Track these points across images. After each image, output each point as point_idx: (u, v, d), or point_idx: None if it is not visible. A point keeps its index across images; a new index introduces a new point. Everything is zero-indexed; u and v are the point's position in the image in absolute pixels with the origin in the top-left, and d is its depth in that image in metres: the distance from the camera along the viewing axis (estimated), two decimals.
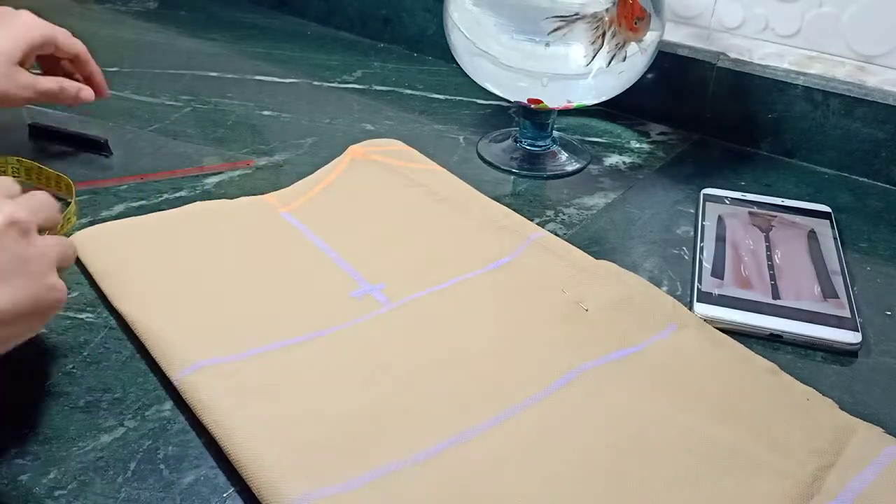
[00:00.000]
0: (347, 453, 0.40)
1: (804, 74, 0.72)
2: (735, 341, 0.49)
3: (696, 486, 0.39)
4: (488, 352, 0.47)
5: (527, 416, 0.43)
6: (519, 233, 0.57)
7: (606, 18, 0.57)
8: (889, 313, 0.53)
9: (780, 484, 0.39)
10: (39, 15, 0.63)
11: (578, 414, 0.43)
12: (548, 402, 0.44)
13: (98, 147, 0.67)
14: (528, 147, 0.72)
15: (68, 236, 0.49)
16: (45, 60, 0.64)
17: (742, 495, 0.39)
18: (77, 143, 0.67)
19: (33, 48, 0.60)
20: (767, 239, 0.59)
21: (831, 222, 0.62)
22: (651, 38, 0.63)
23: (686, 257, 0.58)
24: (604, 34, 0.58)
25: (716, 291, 0.53)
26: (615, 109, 0.80)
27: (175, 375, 0.43)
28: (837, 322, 0.50)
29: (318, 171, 0.66)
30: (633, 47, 0.60)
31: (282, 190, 0.63)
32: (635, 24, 0.57)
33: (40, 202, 0.41)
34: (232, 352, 0.45)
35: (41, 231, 0.40)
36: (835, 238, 0.60)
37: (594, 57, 0.59)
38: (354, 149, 0.68)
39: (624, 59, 0.61)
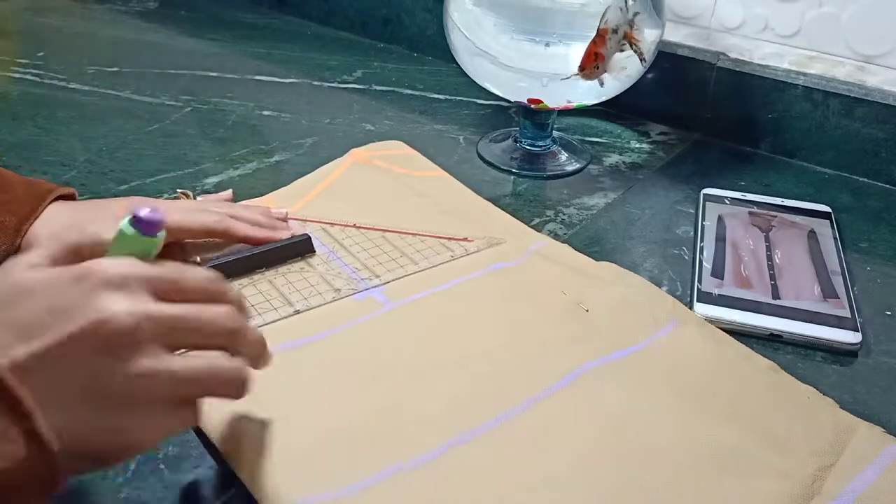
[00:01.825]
0: (348, 456, 0.40)
1: (804, 74, 0.72)
2: (735, 340, 0.49)
3: (696, 486, 0.39)
4: (489, 352, 0.47)
5: (527, 416, 0.43)
6: (520, 243, 0.57)
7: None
8: (889, 313, 0.53)
9: (781, 484, 0.39)
10: (40, 15, 0.62)
11: (579, 414, 0.43)
12: (548, 403, 0.43)
13: (303, 248, 0.55)
14: (528, 147, 0.72)
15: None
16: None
17: (743, 495, 0.38)
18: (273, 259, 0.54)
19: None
20: (767, 239, 0.59)
21: (831, 222, 0.62)
22: (651, 38, 0.63)
23: (686, 257, 0.58)
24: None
25: (716, 291, 0.53)
26: (615, 109, 0.80)
27: None
28: (837, 322, 0.50)
29: (317, 170, 0.66)
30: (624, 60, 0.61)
31: (280, 189, 0.63)
32: (595, 68, 0.59)
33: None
34: None
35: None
36: (835, 238, 0.60)
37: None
38: (357, 152, 0.68)
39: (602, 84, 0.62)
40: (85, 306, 0.30)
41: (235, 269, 0.52)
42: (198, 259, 0.53)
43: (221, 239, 0.53)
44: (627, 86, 0.65)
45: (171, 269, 0.33)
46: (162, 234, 0.34)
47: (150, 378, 0.31)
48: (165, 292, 0.33)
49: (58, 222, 0.48)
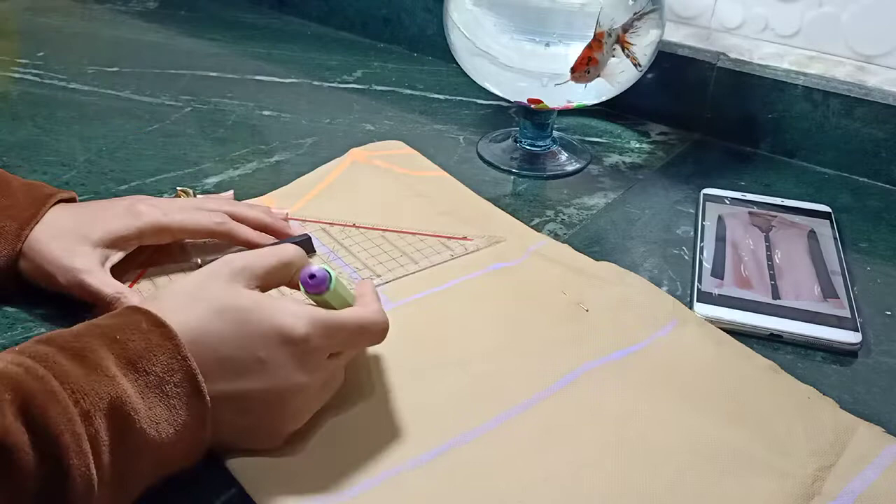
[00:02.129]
0: (349, 456, 0.40)
1: (804, 74, 0.72)
2: (736, 340, 0.49)
3: (697, 486, 0.39)
4: (489, 352, 0.47)
5: (527, 416, 0.43)
6: (520, 243, 0.57)
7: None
8: (889, 313, 0.53)
9: (781, 484, 0.39)
10: (40, 15, 0.62)
11: (579, 414, 0.43)
12: (548, 403, 0.44)
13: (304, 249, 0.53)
14: (528, 147, 0.72)
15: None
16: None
17: (743, 495, 0.39)
18: None
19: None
20: (767, 239, 0.59)
21: (831, 222, 0.62)
22: (651, 37, 0.63)
23: (686, 257, 0.58)
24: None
25: (716, 291, 0.53)
26: (615, 109, 0.80)
27: None
28: (837, 322, 0.50)
29: (317, 170, 0.66)
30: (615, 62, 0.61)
31: (280, 189, 0.63)
32: (587, 73, 0.59)
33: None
34: None
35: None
36: (835, 238, 0.60)
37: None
38: (356, 152, 0.69)
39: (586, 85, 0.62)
40: (281, 374, 0.37)
41: None
42: (198, 261, 0.53)
43: (223, 241, 0.54)
44: (627, 86, 0.65)
45: (358, 326, 0.40)
46: (332, 287, 0.39)
47: (305, 414, 0.40)
48: (343, 347, 0.40)
49: (59, 226, 0.48)
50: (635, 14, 0.59)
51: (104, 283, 0.47)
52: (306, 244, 0.55)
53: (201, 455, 0.37)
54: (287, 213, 0.58)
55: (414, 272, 0.54)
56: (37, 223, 0.48)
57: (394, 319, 0.49)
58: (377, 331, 0.41)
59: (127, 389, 0.33)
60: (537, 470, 0.39)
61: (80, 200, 0.53)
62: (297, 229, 0.57)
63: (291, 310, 0.38)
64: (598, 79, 0.61)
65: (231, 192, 0.61)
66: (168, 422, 0.34)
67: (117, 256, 0.49)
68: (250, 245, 0.53)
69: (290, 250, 0.42)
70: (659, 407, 0.44)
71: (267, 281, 0.40)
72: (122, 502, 0.34)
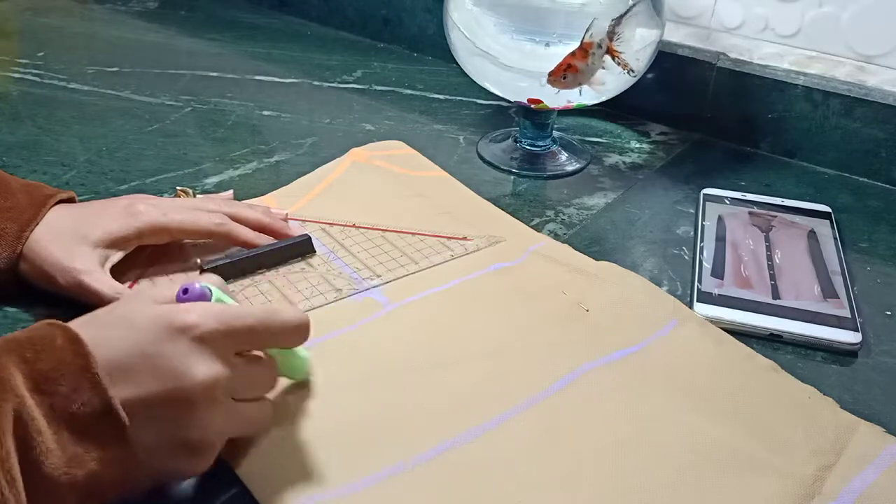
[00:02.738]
0: (349, 455, 0.40)
1: (804, 74, 0.72)
2: (736, 339, 0.49)
3: (697, 486, 0.39)
4: (489, 353, 0.47)
5: (528, 416, 0.43)
6: (519, 244, 0.57)
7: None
8: (889, 313, 0.53)
9: (782, 484, 0.39)
10: (40, 15, 0.62)
11: (579, 414, 0.43)
12: (549, 403, 0.44)
13: (304, 249, 0.55)
14: (528, 147, 0.72)
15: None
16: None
17: (743, 495, 0.39)
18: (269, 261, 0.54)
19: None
20: (767, 239, 0.59)
21: (831, 222, 0.62)
22: (651, 37, 0.63)
23: (686, 257, 0.58)
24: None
25: (716, 291, 0.53)
26: (615, 109, 0.80)
27: None
28: (837, 322, 0.50)
29: (317, 170, 0.66)
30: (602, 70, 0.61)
31: (280, 189, 0.63)
32: (563, 79, 0.59)
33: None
34: None
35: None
36: (835, 238, 0.60)
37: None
38: (356, 151, 0.69)
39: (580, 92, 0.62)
40: (179, 369, 0.35)
41: (236, 270, 0.52)
42: (198, 261, 0.53)
43: (222, 242, 0.53)
44: (627, 86, 0.65)
45: (257, 319, 0.37)
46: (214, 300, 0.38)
47: (222, 427, 0.36)
48: (247, 343, 0.38)
49: (59, 227, 0.48)
50: (612, 21, 0.58)
51: (104, 283, 0.47)
52: (306, 244, 0.55)
53: (136, 481, 0.35)
54: (286, 214, 0.58)
55: (414, 272, 0.54)
56: (37, 225, 0.48)
57: (394, 320, 0.50)
58: (287, 320, 0.38)
59: (30, 408, 0.31)
60: (537, 470, 0.39)
61: (80, 200, 0.53)
62: (296, 230, 0.57)
63: (182, 306, 0.36)
64: (601, 75, 0.61)
65: (231, 192, 0.61)
66: (80, 446, 0.32)
67: (117, 256, 0.49)
68: (249, 245, 0.53)
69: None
70: (659, 407, 0.44)
71: None
72: None
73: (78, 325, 0.35)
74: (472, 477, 0.39)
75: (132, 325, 0.35)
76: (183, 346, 0.35)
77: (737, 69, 0.73)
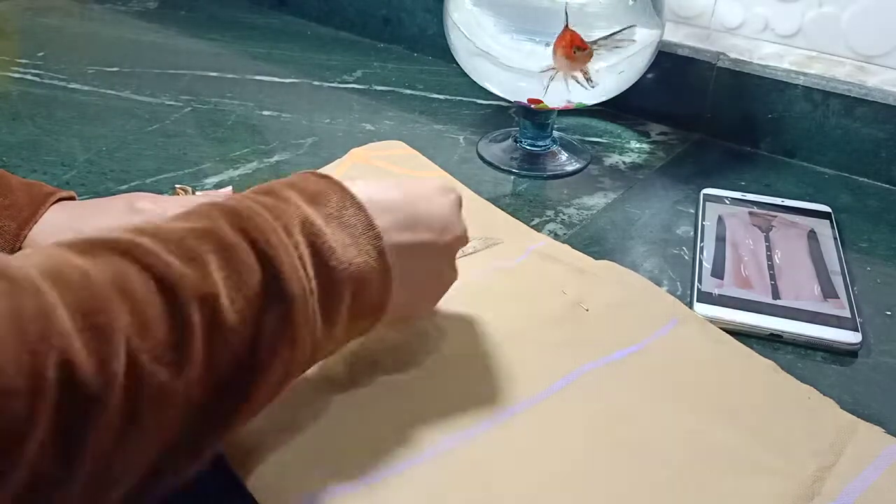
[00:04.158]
0: (348, 455, 0.40)
1: (804, 74, 0.72)
2: (736, 339, 0.49)
3: (697, 486, 0.39)
4: (489, 353, 0.47)
5: (527, 416, 0.43)
6: (519, 243, 0.57)
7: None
8: (889, 313, 0.53)
9: (781, 484, 0.39)
10: (40, 15, 0.63)
11: (579, 415, 0.43)
12: (549, 403, 0.43)
13: None
14: (528, 147, 0.72)
15: None
16: None
17: (743, 495, 0.38)
18: None
19: None
20: (767, 239, 0.59)
21: (831, 222, 0.62)
22: (651, 37, 0.63)
23: (686, 257, 0.58)
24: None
25: (716, 291, 0.53)
26: (615, 109, 0.80)
27: None
28: (837, 322, 0.50)
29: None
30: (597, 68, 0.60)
31: None
32: (574, 52, 0.57)
33: None
34: None
35: None
36: (835, 238, 0.60)
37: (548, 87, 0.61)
38: (356, 152, 0.68)
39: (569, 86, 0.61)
40: (455, 224, 0.43)
41: None
42: None
43: None
44: (627, 86, 0.65)
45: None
46: None
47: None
48: None
49: (57, 225, 0.48)
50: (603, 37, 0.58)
51: None
52: None
53: (387, 307, 0.39)
54: None
55: None
56: (35, 223, 0.48)
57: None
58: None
59: (311, 214, 0.36)
60: (537, 470, 0.39)
61: (81, 200, 0.53)
62: None
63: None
64: (601, 75, 0.61)
65: (229, 188, 0.61)
66: (353, 247, 0.37)
67: None
68: None
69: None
70: (659, 407, 0.44)
71: None
72: (330, 340, 0.37)
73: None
74: (472, 477, 0.39)
75: (407, 185, 0.42)
76: (453, 203, 0.43)
77: (737, 69, 0.73)
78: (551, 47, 0.59)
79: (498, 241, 0.57)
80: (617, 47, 0.58)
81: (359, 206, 0.38)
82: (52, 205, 0.50)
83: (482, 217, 0.61)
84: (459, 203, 0.44)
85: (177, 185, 0.61)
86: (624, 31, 0.58)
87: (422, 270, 0.42)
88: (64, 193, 0.51)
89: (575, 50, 0.57)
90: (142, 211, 0.50)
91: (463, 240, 0.44)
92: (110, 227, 0.33)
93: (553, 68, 0.59)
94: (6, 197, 0.48)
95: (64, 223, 0.49)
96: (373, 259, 0.38)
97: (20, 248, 0.47)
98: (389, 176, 0.65)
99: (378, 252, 0.38)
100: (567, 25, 0.57)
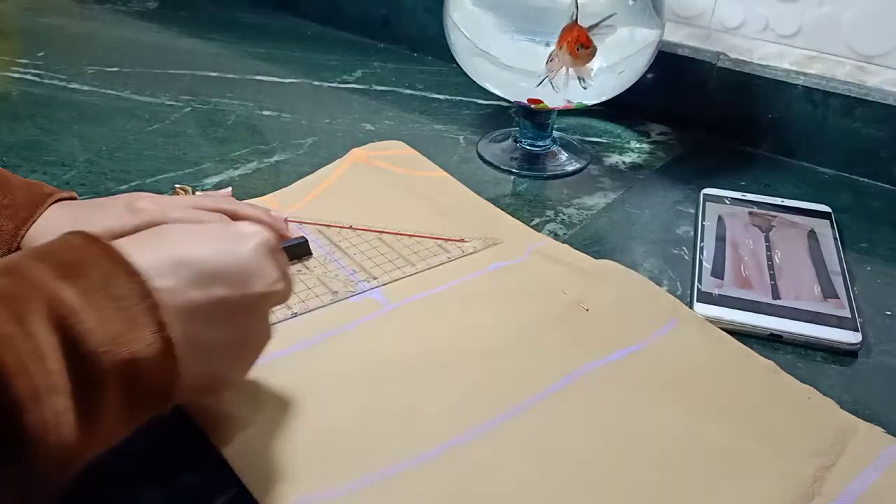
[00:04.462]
0: (349, 456, 0.40)
1: (804, 74, 0.72)
2: (736, 339, 0.49)
3: (697, 486, 0.39)
4: (489, 353, 0.47)
5: (528, 417, 0.43)
6: (519, 243, 0.57)
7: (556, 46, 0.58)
8: (889, 313, 0.53)
9: (782, 485, 0.39)
10: (40, 15, 0.63)
11: (579, 415, 0.43)
12: (549, 403, 0.43)
13: (301, 251, 0.56)
14: (528, 147, 0.72)
15: None
16: None
17: (743, 496, 0.38)
18: None
19: None
20: (767, 239, 0.59)
21: (831, 222, 0.62)
22: (651, 37, 0.63)
23: (686, 257, 0.58)
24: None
25: (716, 291, 0.53)
26: (615, 109, 0.80)
27: None
28: (837, 322, 0.50)
29: (318, 171, 0.66)
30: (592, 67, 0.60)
31: (282, 190, 0.63)
32: (577, 50, 0.57)
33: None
34: None
35: None
36: (835, 238, 0.60)
37: (542, 81, 0.60)
38: (356, 152, 0.68)
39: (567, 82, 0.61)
40: (263, 273, 0.36)
41: None
42: None
43: None
44: (627, 86, 0.65)
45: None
46: None
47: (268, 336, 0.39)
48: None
49: (56, 225, 0.48)
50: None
51: None
52: (303, 247, 0.55)
53: (175, 388, 0.33)
54: (286, 218, 0.58)
55: (411, 274, 0.54)
56: (33, 223, 0.48)
57: (394, 320, 0.50)
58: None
59: (61, 292, 0.30)
60: (537, 471, 0.39)
61: (81, 200, 0.53)
62: (294, 232, 0.57)
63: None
64: (601, 75, 0.61)
65: (229, 189, 0.61)
66: (120, 324, 0.31)
67: None
68: None
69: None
70: (659, 407, 0.44)
71: None
72: (94, 440, 0.31)
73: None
74: (472, 477, 0.39)
75: (193, 230, 0.36)
76: (261, 250, 0.37)
77: (737, 69, 0.73)
78: (553, 44, 0.58)
79: (498, 241, 0.57)
80: (601, 34, 0.58)
81: (131, 273, 0.32)
82: (51, 205, 0.49)
83: (482, 217, 0.61)
84: (268, 246, 0.37)
85: (177, 185, 0.61)
86: (608, 20, 0.57)
87: (222, 335, 0.35)
88: (64, 194, 0.51)
89: (579, 47, 0.57)
90: (141, 211, 0.50)
91: (279, 292, 0.37)
92: None
93: (553, 58, 0.58)
94: (5, 196, 0.48)
95: (63, 223, 0.48)
96: (149, 335, 0.31)
97: (18, 248, 0.47)
98: (389, 176, 0.65)
99: (157, 325, 0.32)
100: (576, 20, 0.57)
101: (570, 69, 0.59)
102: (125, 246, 0.33)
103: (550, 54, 0.58)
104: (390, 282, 0.53)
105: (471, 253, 0.56)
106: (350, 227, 0.59)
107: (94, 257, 0.32)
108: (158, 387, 0.32)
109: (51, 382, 0.28)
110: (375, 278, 0.53)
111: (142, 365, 0.31)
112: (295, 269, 0.54)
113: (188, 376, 0.33)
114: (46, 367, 0.28)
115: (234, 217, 0.53)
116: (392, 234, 0.58)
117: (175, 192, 0.59)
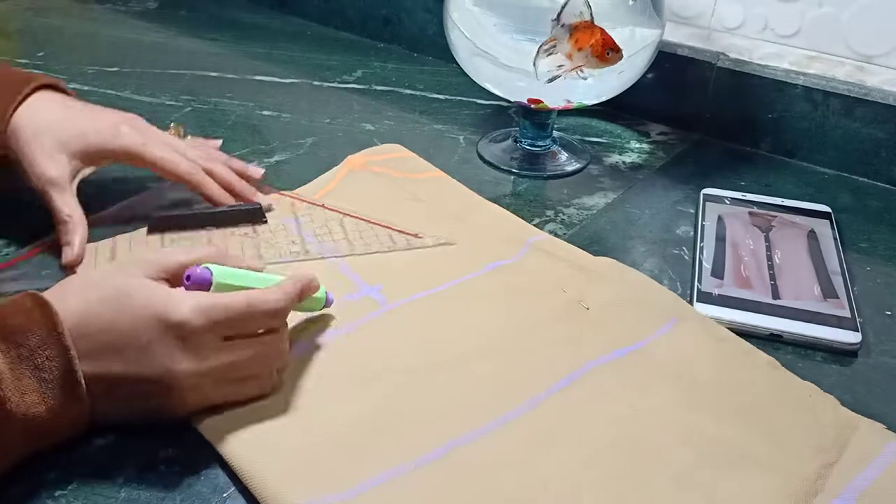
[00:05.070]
0: (351, 458, 0.39)
1: (804, 74, 0.72)
2: (736, 335, 0.49)
3: (699, 483, 0.39)
4: (490, 353, 0.47)
5: (529, 416, 0.43)
6: (517, 238, 0.57)
7: (567, 42, 0.58)
8: (889, 313, 0.53)
9: (784, 482, 0.39)
10: (40, 15, 0.63)
11: (581, 413, 0.43)
12: (550, 403, 0.43)
13: (253, 216, 0.58)
14: (528, 147, 0.72)
15: None
16: None
17: (746, 493, 0.39)
18: (222, 220, 0.58)
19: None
20: (767, 239, 0.59)
21: (831, 222, 0.62)
22: (651, 37, 0.63)
23: (686, 257, 0.58)
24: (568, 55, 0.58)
25: (716, 291, 0.53)
26: (615, 109, 0.80)
27: None
28: (837, 322, 0.50)
29: (315, 180, 0.64)
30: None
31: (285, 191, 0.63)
32: (607, 54, 0.57)
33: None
34: None
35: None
36: (835, 238, 0.60)
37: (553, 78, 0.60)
38: (353, 159, 0.67)
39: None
40: (169, 360, 0.38)
41: (185, 222, 0.57)
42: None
43: (189, 189, 0.56)
44: (627, 86, 0.65)
45: (240, 310, 0.39)
46: (214, 288, 0.40)
47: (200, 403, 0.40)
48: (234, 331, 0.40)
49: (42, 119, 0.52)
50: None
51: (64, 201, 0.51)
52: (256, 213, 0.58)
53: (84, 429, 0.39)
54: (264, 172, 0.61)
55: (412, 275, 0.54)
56: (20, 105, 0.51)
57: (394, 320, 0.50)
58: (265, 309, 0.40)
59: None
60: (539, 470, 0.39)
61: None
62: (263, 200, 0.59)
63: (176, 296, 0.38)
64: (601, 75, 0.61)
65: (220, 140, 0.63)
66: (37, 393, 0.35)
67: (88, 170, 0.54)
68: (212, 201, 0.56)
69: (202, 251, 0.43)
70: (660, 405, 0.44)
71: (177, 276, 0.41)
72: None
73: (67, 294, 0.38)
74: (473, 478, 0.39)
75: (127, 309, 0.37)
76: (172, 340, 0.37)
77: (737, 69, 0.73)
78: (565, 39, 0.58)
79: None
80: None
81: (63, 348, 0.36)
82: (37, 89, 0.53)
83: (480, 213, 0.61)
84: (181, 337, 0.38)
85: (171, 123, 0.63)
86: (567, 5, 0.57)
87: (132, 406, 0.39)
88: (49, 80, 0.54)
89: (608, 52, 0.57)
90: (124, 136, 0.54)
91: (193, 372, 0.38)
92: None
93: (552, 42, 0.58)
94: None
95: (49, 119, 0.52)
96: (57, 406, 0.36)
97: (5, 130, 0.51)
98: (387, 180, 0.65)
99: (76, 399, 0.37)
100: (592, 20, 0.57)
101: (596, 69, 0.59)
102: (75, 315, 0.37)
103: (548, 50, 0.58)
104: (391, 281, 0.53)
105: (417, 248, 0.56)
106: (322, 206, 0.60)
107: (35, 325, 0.36)
108: (61, 440, 0.38)
109: None
110: (376, 278, 0.53)
111: (48, 429, 0.37)
112: (242, 231, 0.57)
113: (105, 420, 0.39)
114: None
115: (209, 173, 0.56)
116: (353, 218, 0.59)
117: (169, 129, 0.61)
